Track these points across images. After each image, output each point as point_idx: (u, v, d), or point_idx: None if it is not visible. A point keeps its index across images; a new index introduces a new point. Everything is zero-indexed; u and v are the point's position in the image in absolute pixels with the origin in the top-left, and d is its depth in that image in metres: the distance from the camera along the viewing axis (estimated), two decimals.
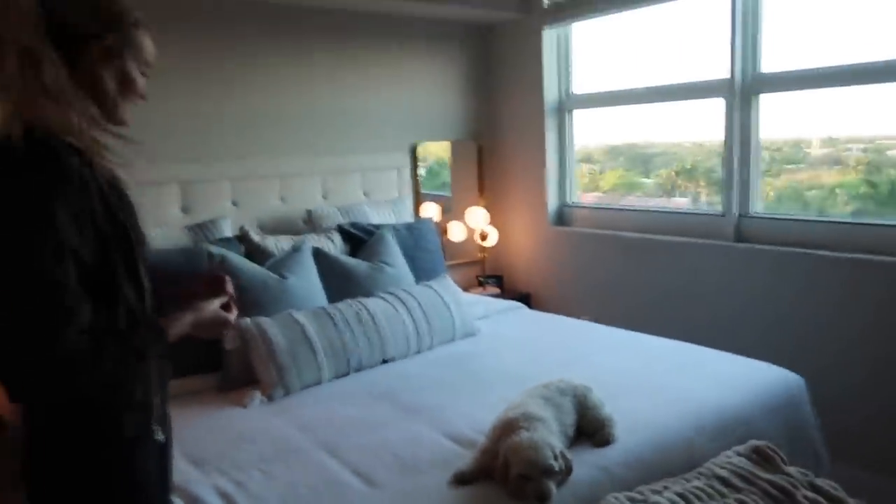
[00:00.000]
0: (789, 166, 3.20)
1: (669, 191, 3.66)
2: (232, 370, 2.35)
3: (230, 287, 1.34)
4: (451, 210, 4.07)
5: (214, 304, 1.30)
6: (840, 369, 2.68)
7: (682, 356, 2.48)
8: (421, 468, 1.73)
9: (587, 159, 4.07)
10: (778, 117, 3.03)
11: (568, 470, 1.64)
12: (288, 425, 2.02)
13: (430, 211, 3.93)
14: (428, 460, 1.76)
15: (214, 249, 2.50)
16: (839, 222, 2.81)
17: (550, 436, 1.65)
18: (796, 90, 2.93)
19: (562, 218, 3.94)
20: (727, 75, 3.04)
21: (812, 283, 2.77)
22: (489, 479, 1.64)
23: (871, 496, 1.83)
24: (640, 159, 3.86)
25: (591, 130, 3.89)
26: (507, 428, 1.67)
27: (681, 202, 3.59)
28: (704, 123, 3.26)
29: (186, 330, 1.25)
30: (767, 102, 3.02)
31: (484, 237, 3.96)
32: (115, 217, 1.14)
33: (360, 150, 3.60)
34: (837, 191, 2.98)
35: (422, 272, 3.05)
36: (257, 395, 2.21)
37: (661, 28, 3.38)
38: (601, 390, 1.99)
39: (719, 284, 3.11)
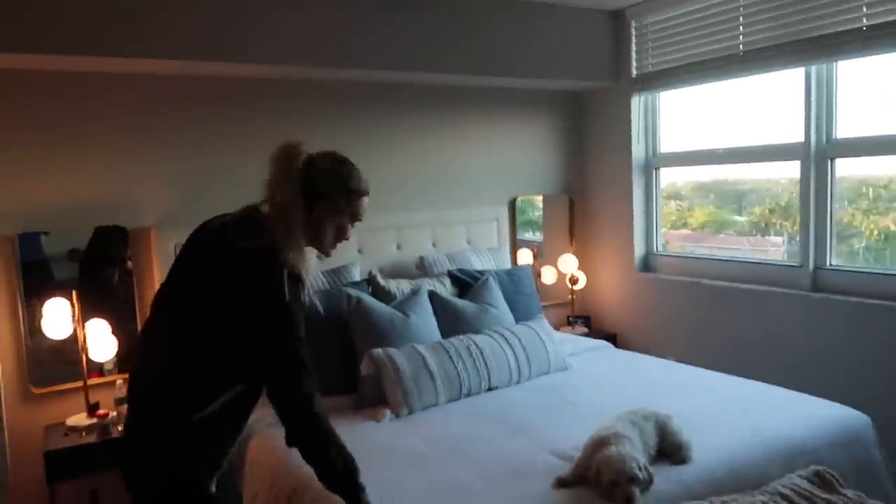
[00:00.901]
0: None
1: (763, 229, 3.68)
2: (365, 392, 2.83)
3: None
4: (543, 256, 4.48)
5: None
6: None
7: (757, 395, 2.78)
8: (528, 474, 2.12)
9: (675, 196, 4.24)
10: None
11: (650, 481, 2.00)
12: (415, 438, 2.47)
13: (525, 257, 4.35)
14: (533, 469, 2.16)
15: (352, 292, 3.03)
16: None
17: (635, 451, 2.02)
18: (871, 155, 3.20)
19: (647, 264, 4.28)
20: (802, 139, 3.34)
21: (886, 333, 3.00)
22: (585, 485, 2.02)
23: None
24: (731, 196, 3.93)
25: (680, 167, 4.14)
26: (600, 444, 2.06)
27: (775, 240, 3.59)
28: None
29: None
30: (843, 166, 3.29)
31: (574, 281, 4.35)
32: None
33: (464, 203, 4.10)
34: None
35: (520, 313, 3.47)
36: (388, 413, 2.68)
37: (744, 93, 3.72)
38: (681, 421, 2.33)
39: (796, 331, 3.36)
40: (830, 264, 3.34)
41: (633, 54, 4.10)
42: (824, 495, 2.01)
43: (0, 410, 2.82)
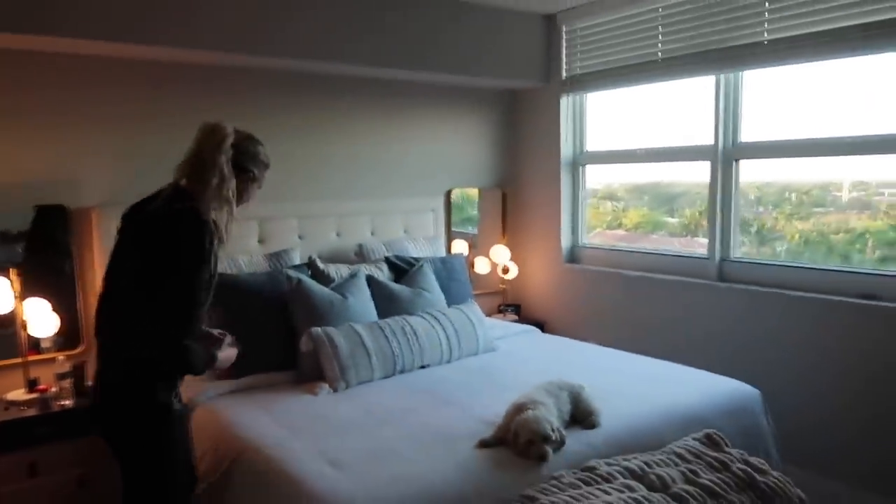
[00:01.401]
0: (818, 209, 3.40)
1: (693, 230, 3.97)
2: (305, 368, 2.98)
3: (228, 338, 2.24)
4: (477, 247, 4.71)
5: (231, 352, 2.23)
6: (798, 386, 3.25)
7: (663, 372, 3.08)
8: (455, 438, 2.33)
9: (611, 196, 4.50)
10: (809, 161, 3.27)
11: (562, 441, 2.24)
12: (351, 408, 2.64)
13: (460, 247, 4.57)
14: (460, 434, 2.36)
15: (292, 273, 3.17)
16: (807, 267, 3.36)
17: (550, 415, 2.26)
18: (771, 158, 3.55)
19: (573, 256, 4.56)
20: (712, 142, 3.67)
21: (781, 317, 3.34)
22: (504, 445, 2.25)
23: (817, 498, 2.37)
24: (664, 198, 4.20)
25: (614, 168, 4.43)
26: (518, 409, 2.29)
27: (703, 241, 3.79)
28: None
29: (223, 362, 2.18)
30: (747, 166, 3.63)
31: (506, 271, 4.59)
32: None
33: (402, 194, 4.29)
34: (867, 236, 3.15)
35: (453, 298, 3.68)
36: (325, 387, 2.84)
37: (663, 97, 4.03)
38: (594, 393, 2.58)
39: (703, 316, 3.69)
40: (734, 256, 3.68)
41: (564, 57, 4.37)
42: (712, 453, 2.30)
43: None
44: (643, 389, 2.80)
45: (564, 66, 4.38)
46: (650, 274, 4.00)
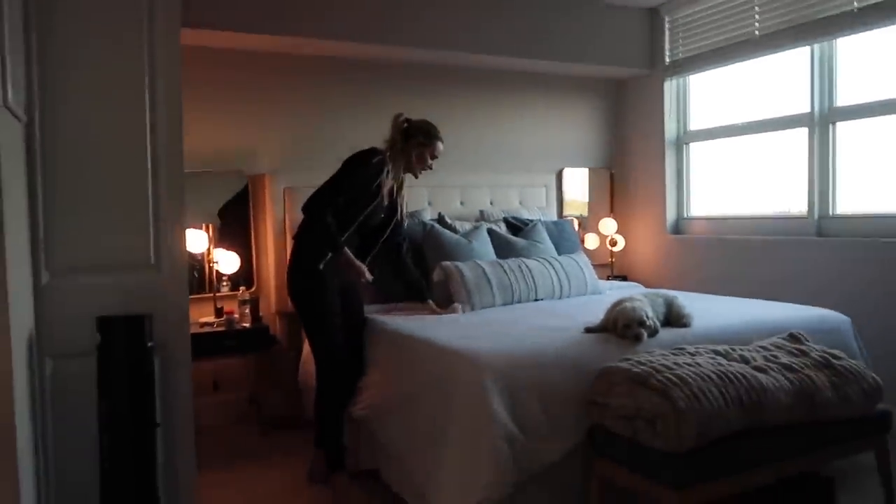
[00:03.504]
0: None
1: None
2: (437, 296, 3.53)
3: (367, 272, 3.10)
4: (587, 227, 5.12)
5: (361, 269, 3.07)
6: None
7: (758, 305, 3.36)
8: (565, 329, 2.78)
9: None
10: None
11: (655, 330, 2.64)
12: (479, 321, 3.14)
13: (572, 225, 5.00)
14: (568, 328, 2.81)
15: (427, 220, 3.76)
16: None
17: (646, 308, 2.66)
18: (867, 118, 3.77)
19: (678, 228, 4.88)
20: (808, 109, 3.94)
21: (879, 264, 3.53)
22: (606, 332, 2.68)
23: None
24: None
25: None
26: (617, 304, 2.71)
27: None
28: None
29: (345, 260, 2.99)
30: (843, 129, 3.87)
31: (613, 243, 4.98)
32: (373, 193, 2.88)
33: (519, 170, 4.81)
34: None
35: (563, 253, 4.12)
36: (456, 306, 3.37)
37: (760, 73, 4.34)
38: (694, 313, 2.91)
39: (802, 273, 3.91)
40: (832, 213, 3.90)
41: (667, 44, 4.78)
42: (793, 345, 2.61)
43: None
44: (737, 307, 3.13)
45: (668, 53, 4.78)
46: (751, 236, 4.26)
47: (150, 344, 1.79)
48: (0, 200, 1.43)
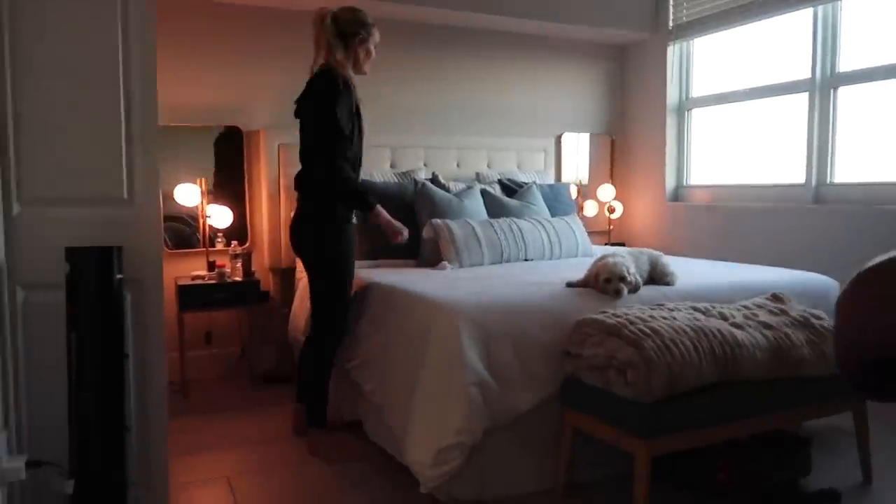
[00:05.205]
0: None
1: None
2: (426, 254, 3.53)
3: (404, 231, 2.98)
4: (586, 194, 5.09)
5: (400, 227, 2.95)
6: None
7: (748, 269, 3.34)
8: (547, 283, 2.78)
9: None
10: None
11: (637, 286, 2.63)
12: (465, 276, 3.15)
13: (570, 190, 4.97)
14: (551, 282, 2.81)
15: (418, 178, 3.75)
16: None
17: (627, 263, 2.65)
18: (869, 82, 3.70)
19: (677, 195, 4.84)
20: (809, 75, 3.87)
21: (873, 232, 3.50)
22: (587, 286, 2.67)
23: None
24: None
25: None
26: (600, 259, 2.70)
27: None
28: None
29: (383, 218, 2.89)
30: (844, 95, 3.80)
31: (612, 210, 4.95)
32: (356, 114, 2.67)
33: (517, 133, 4.78)
34: None
35: (557, 215, 4.10)
36: (444, 264, 3.37)
37: (762, 38, 4.26)
38: (678, 274, 2.90)
39: (799, 239, 3.87)
40: (829, 181, 3.85)
41: (671, 7, 4.69)
42: (775, 304, 2.59)
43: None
44: (724, 270, 3.11)
45: (671, 16, 4.70)
46: (749, 203, 4.22)
47: (119, 276, 1.81)
48: None
